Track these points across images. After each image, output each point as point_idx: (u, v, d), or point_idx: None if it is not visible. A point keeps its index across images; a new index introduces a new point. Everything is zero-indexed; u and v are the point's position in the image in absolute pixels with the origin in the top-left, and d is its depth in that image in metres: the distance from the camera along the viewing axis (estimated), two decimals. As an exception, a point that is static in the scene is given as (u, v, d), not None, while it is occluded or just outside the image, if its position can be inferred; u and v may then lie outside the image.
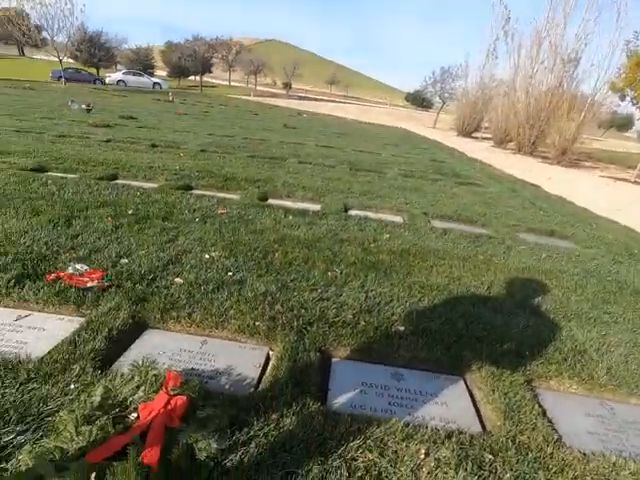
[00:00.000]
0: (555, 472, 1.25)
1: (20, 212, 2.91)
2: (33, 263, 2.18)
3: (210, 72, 45.76)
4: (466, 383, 1.70)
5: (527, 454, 1.30)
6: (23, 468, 1.03)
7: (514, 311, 2.27)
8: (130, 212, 3.17)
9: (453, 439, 1.32)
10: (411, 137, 16.04)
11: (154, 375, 1.36)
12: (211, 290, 2.12)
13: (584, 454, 1.34)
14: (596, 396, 1.71)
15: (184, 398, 1.26)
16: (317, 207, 4.07)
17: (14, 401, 1.30)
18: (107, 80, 28.75)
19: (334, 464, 1.19)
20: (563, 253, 3.49)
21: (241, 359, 1.68)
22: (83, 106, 10.84)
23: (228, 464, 1.15)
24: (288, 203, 4.12)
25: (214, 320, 1.87)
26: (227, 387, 1.51)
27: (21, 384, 1.36)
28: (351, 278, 2.47)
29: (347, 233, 3.31)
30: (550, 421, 1.49)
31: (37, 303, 1.88)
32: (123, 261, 2.35)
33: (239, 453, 1.19)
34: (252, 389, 1.51)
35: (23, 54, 48.20)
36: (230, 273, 2.35)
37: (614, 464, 1.29)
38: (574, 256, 3.44)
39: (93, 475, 0.98)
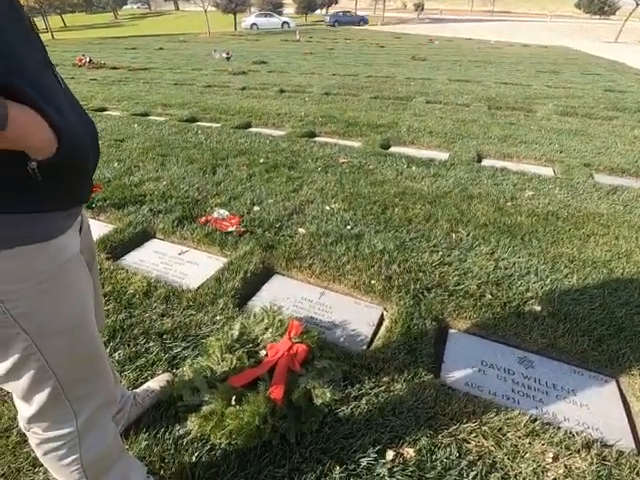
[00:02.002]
0: None
1: (180, 160, 3.45)
2: (189, 207, 2.60)
3: (336, 3, 43.38)
4: (619, 387, 1.41)
5: (702, 495, 1.03)
6: (186, 378, 1.31)
7: None
8: (261, 161, 3.43)
9: (593, 451, 1.14)
10: (579, 59, 12.57)
11: (280, 320, 1.52)
12: (330, 243, 2.19)
13: None
14: None
15: (304, 346, 1.38)
16: (445, 156, 3.67)
17: (180, 322, 1.64)
18: (242, 25, 30.25)
19: (444, 441, 1.17)
20: None
21: (355, 315, 1.74)
22: (224, 55, 11.77)
23: (340, 414, 1.25)
24: (412, 151, 3.82)
25: (332, 273, 1.95)
26: (341, 340, 1.59)
27: (183, 309, 1.71)
28: (479, 242, 2.21)
29: (478, 188, 2.92)
30: None
31: (193, 242, 2.27)
32: (255, 209, 2.60)
33: (350, 406, 1.27)
34: (365, 346, 1.56)
35: (178, 8, 54.05)
36: (349, 227, 2.37)
37: None
38: None
39: (234, 397, 1.19)
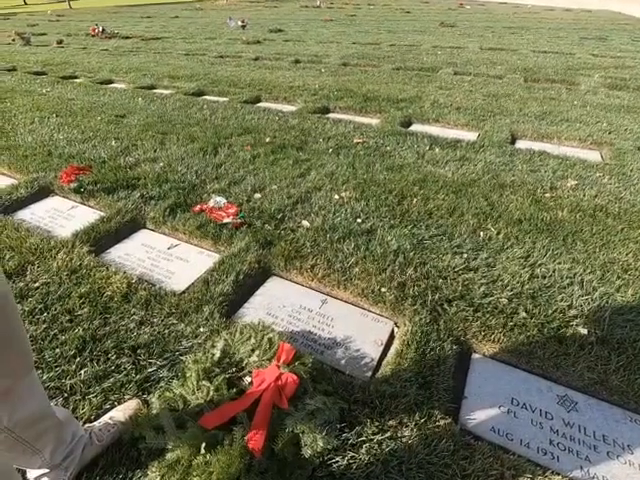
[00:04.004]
0: None
1: (180, 138, 3.19)
2: (184, 192, 2.36)
3: (361, -36, 40.64)
4: (689, 443, 1.12)
5: None
6: (153, 411, 1.11)
7: None
8: (267, 140, 3.13)
9: (660, 543, 0.87)
10: (629, 24, 11.28)
11: (269, 339, 1.29)
12: (337, 240, 1.92)
13: None
14: None
15: (295, 377, 1.14)
16: (473, 136, 3.26)
17: (158, 333, 1.43)
18: (261, -10, 28.84)
19: (462, 512, 0.93)
20: None
21: (361, 330, 1.48)
22: (239, 23, 11.18)
23: (334, 466, 1.03)
24: (436, 130, 3.42)
25: (337, 277, 1.69)
26: (342, 363, 1.35)
27: (164, 317, 1.50)
28: (512, 242, 1.89)
29: (512, 175, 2.55)
30: None
31: (184, 234, 2.04)
32: (256, 196, 2.33)
33: (347, 457, 1.04)
34: (369, 373, 1.31)
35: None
36: (359, 220, 2.08)
37: None
38: None
39: (203, 445, 0.98)
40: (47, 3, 26.21)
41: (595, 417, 1.18)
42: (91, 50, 7.98)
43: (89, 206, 2.33)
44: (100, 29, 10.22)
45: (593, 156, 2.91)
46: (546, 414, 1.19)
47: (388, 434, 1.09)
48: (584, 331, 1.41)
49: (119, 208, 2.21)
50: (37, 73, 5.88)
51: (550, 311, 1.49)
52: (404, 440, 1.08)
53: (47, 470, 0.94)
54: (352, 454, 1.05)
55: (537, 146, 3.02)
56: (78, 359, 1.32)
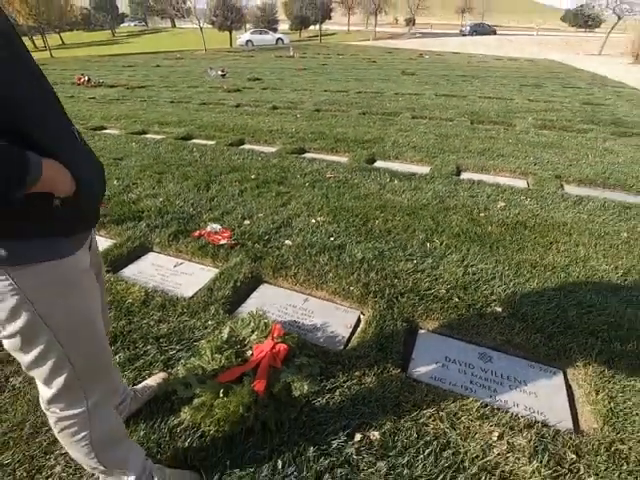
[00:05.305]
0: (655, 491, 1.14)
1: (175, 177, 3.65)
2: (184, 222, 2.79)
3: (329, 19, 44.54)
4: (566, 378, 1.58)
5: (622, 465, 1.20)
6: (180, 376, 1.48)
7: (654, 306, 1.90)
8: (253, 177, 3.64)
9: (533, 430, 1.31)
10: (562, 72, 13.03)
11: (264, 323, 1.70)
12: (314, 253, 2.38)
13: None
14: None
15: (285, 346, 1.56)
16: (426, 170, 3.89)
17: (175, 327, 1.81)
18: (237, 42, 30.98)
19: (406, 425, 1.34)
20: None
21: (335, 318, 1.91)
22: (219, 72, 12.11)
23: (316, 404, 1.42)
24: (396, 165, 4.05)
25: (315, 281, 2.14)
26: (321, 341, 1.77)
27: (178, 316, 1.88)
28: (451, 250, 2.41)
29: (455, 200, 3.14)
30: (669, 438, 1.31)
31: (187, 254, 2.45)
32: (246, 222, 2.79)
33: (325, 397, 1.44)
34: (342, 346, 1.73)
35: (174, 25, 55.19)
36: (332, 238, 2.56)
37: None
38: None
39: (221, 390, 1.36)
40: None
41: (503, 365, 1.64)
42: (79, 98, 8.51)
43: (100, 235, 2.70)
44: (86, 78, 10.84)
45: (520, 183, 3.58)
46: (469, 365, 1.64)
47: (355, 381, 1.50)
48: (499, 309, 1.90)
49: (129, 236, 2.60)
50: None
51: (476, 297, 1.98)
52: (366, 385, 1.49)
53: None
54: (329, 395, 1.45)
55: (477, 177, 3.67)
56: (112, 348, 1.67)
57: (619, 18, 25.98)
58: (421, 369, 1.62)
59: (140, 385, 1.47)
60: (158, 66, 16.32)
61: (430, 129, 5.37)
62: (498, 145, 4.60)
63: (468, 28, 43.07)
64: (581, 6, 36.59)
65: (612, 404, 1.39)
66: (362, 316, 1.94)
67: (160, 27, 57.18)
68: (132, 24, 67.52)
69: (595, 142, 4.75)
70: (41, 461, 1.25)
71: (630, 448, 1.25)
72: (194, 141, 5.02)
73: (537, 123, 5.69)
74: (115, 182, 3.52)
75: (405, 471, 1.20)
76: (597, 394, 1.44)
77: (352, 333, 1.82)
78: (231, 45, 31.46)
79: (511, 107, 6.88)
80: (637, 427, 1.32)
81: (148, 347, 1.69)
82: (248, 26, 39.36)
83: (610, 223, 2.76)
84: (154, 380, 1.50)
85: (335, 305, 2.03)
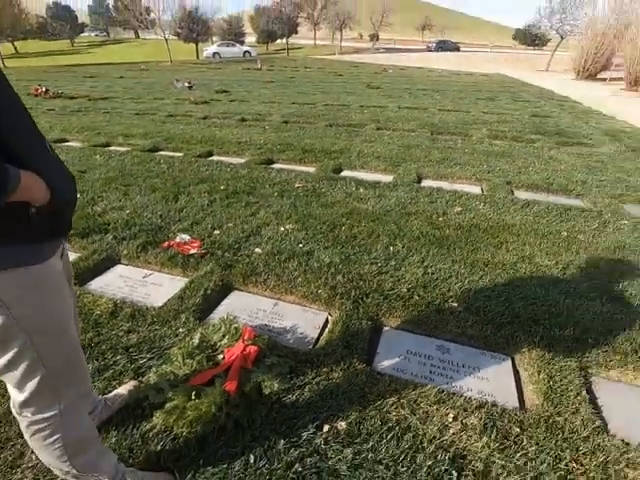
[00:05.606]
0: (584, 453, 1.29)
1: (142, 189, 3.63)
2: (152, 233, 2.79)
3: (296, 33, 45.44)
4: (514, 363, 1.75)
5: (558, 434, 1.36)
6: (151, 382, 1.50)
7: (588, 295, 2.13)
8: (222, 187, 3.68)
9: (484, 409, 1.45)
10: (514, 86, 14.02)
11: (235, 327, 1.75)
12: (283, 260, 2.46)
13: (626, 443, 1.34)
14: (665, 392, 1.60)
15: (256, 347, 1.62)
16: (390, 178, 4.10)
17: (145, 337, 1.82)
18: (204, 54, 30.88)
19: (370, 414, 1.44)
20: (680, 230, 2.96)
21: (304, 321, 2.00)
22: (186, 84, 12.05)
23: (286, 401, 1.49)
24: (361, 174, 4.23)
25: (284, 286, 2.22)
26: (291, 342, 1.84)
27: (148, 325, 1.89)
28: (412, 253, 2.57)
29: (416, 206, 3.33)
30: (597, 408, 1.49)
31: (156, 265, 2.46)
32: (216, 232, 2.83)
33: (295, 394, 1.51)
34: (310, 346, 1.82)
35: (138, 36, 54.15)
36: (300, 245, 2.66)
37: (658, 458, 1.28)
38: (695, 234, 2.90)
39: (193, 393, 1.40)
40: (-22, 62, 25.49)
41: (460, 355, 1.78)
42: (37, 110, 8.18)
43: (64, 249, 2.65)
44: (44, 89, 10.44)
45: (475, 189, 3.85)
46: (429, 357, 1.77)
47: (323, 377, 1.59)
48: (455, 304, 2.06)
49: (95, 249, 2.57)
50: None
51: (435, 294, 2.14)
52: (334, 380, 1.58)
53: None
54: (299, 392, 1.52)
55: (436, 184, 3.91)
56: (81, 359, 1.66)
57: (562, 38, 28.32)
58: (385, 363, 1.73)
59: (111, 394, 1.48)
60: (122, 77, 15.99)
61: (393, 140, 5.64)
62: (456, 154, 4.91)
63: (434, 45, 45.86)
64: (529, 26, 39.51)
65: (551, 382, 1.56)
66: (330, 317, 2.03)
67: (123, 38, 55.93)
68: (93, 34, 65.58)
69: (541, 151, 5.18)
70: (7, 476, 1.24)
71: (565, 419, 1.42)
72: (161, 153, 4.99)
73: (491, 134, 6.12)
74: (79, 195, 3.44)
75: (370, 455, 1.29)
76: (539, 374, 1.61)
77: (320, 333, 1.91)
78: (198, 57, 31.31)
79: (468, 119, 7.34)
80: (571, 401, 1.49)
81: (118, 357, 1.70)
82: (215, 38, 39.38)
83: (553, 224, 3.04)
84: (125, 388, 1.51)
85: (304, 308, 2.11)
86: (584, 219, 3.12)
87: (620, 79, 15.34)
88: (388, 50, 43.68)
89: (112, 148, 5.23)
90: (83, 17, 58.83)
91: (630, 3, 16.84)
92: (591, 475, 1.23)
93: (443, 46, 45.52)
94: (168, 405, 1.39)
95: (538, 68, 24.60)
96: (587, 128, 6.83)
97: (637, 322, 1.94)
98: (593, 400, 1.53)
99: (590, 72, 18.03)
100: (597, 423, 1.41)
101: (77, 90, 11.44)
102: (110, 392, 1.51)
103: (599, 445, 1.32)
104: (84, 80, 14.98)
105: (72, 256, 2.50)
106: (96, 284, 2.29)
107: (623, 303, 2.10)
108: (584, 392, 1.53)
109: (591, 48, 17.65)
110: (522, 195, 3.69)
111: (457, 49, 46.04)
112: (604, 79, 17.33)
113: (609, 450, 1.30)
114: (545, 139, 5.85)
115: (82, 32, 52.38)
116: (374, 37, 51.06)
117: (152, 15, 30.59)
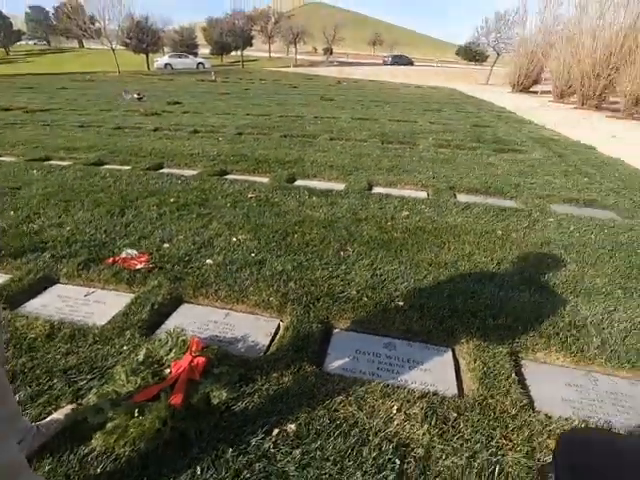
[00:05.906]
0: (513, 430, 1.42)
1: (85, 204, 3.46)
2: (96, 249, 2.67)
3: (251, 45, 45.63)
4: (454, 354, 1.87)
5: (490, 414, 1.47)
6: (91, 403, 1.44)
7: (519, 287, 2.34)
8: (172, 200, 3.60)
9: (425, 399, 1.54)
10: (457, 99, 15.02)
11: (182, 340, 1.72)
12: (235, 270, 2.45)
13: (549, 417, 1.48)
14: (582, 368, 1.79)
15: (204, 358, 1.60)
16: (342, 186, 4.22)
17: (85, 357, 1.73)
18: (155, 65, 30.06)
19: (319, 414, 1.47)
20: (596, 225, 3.33)
21: (255, 329, 2.00)
22: (135, 95, 11.65)
23: (236, 409, 1.49)
24: (314, 183, 4.32)
25: (236, 296, 2.21)
26: (242, 351, 1.84)
27: (89, 345, 1.80)
28: (362, 257, 2.67)
29: (366, 212, 3.46)
30: (525, 388, 1.63)
31: (99, 282, 2.35)
32: (165, 246, 2.76)
33: (245, 401, 1.51)
34: (262, 353, 1.82)
35: (82, 46, 51.55)
36: (253, 254, 2.66)
37: (572, 424, 1.43)
38: (607, 227, 3.27)
39: (136, 410, 1.36)
40: None
41: (405, 351, 1.88)
42: (-35, 123, 7.53)
43: (-5, 271, 2.45)
44: (-27, 101, 9.62)
45: (421, 194, 4.08)
46: (376, 354, 1.84)
47: (273, 382, 1.60)
48: (401, 303, 2.16)
49: (29, 269, 2.41)
50: None
51: (382, 295, 2.23)
52: (284, 384, 1.60)
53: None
54: (249, 399, 1.52)
55: (385, 191, 4.09)
56: (12, 386, 1.55)
57: (498, 54, 30.86)
58: (335, 363, 1.78)
59: (45, 420, 1.39)
60: (64, 88, 15.12)
61: (346, 149, 5.82)
62: (404, 162, 5.17)
63: (390, 59, 48.52)
64: (470, 43, 42.74)
65: (485, 368, 1.69)
66: (281, 323, 2.05)
67: (66, 47, 52.96)
68: (31, 42, 61.47)
69: (481, 158, 5.59)
70: None
71: (497, 401, 1.54)
72: (107, 167, 4.78)
73: (436, 143, 6.51)
74: (12, 213, 3.22)
75: (317, 453, 1.32)
76: (475, 362, 1.74)
77: (272, 340, 1.92)
78: (149, 68, 30.38)
79: (415, 129, 7.75)
80: (503, 383, 1.62)
81: (54, 381, 1.60)
82: (166, 49, 38.46)
83: (490, 224, 3.30)
84: (61, 412, 1.43)
85: (256, 316, 2.12)
86: (517, 218, 3.41)
87: (549, 92, 16.96)
88: (342, 64, 45.08)
89: (52, 162, 4.93)
90: (19, 24, 55.03)
91: (553, 25, 18.75)
92: (518, 449, 1.35)
93: (399, 60, 48.14)
94: (109, 425, 1.34)
95: (479, 82, 26.55)
96: (520, 136, 7.47)
97: (560, 308, 2.15)
98: (522, 381, 1.68)
99: (524, 85, 19.74)
100: (524, 402, 1.54)
101: (12, 101, 10.66)
102: (45, 419, 1.42)
103: (525, 421, 1.45)
104: (21, 91, 14.00)
105: (2, 278, 2.33)
106: (31, 306, 2.14)
107: (549, 292, 2.32)
108: (514, 375, 1.67)
109: (523, 64, 19.37)
110: (463, 198, 3.96)
111: (411, 63, 48.68)
112: (536, 92, 19.06)
113: (534, 425, 1.43)
114: (484, 147, 6.32)
115: (19, 40, 48.95)
116: (328, 51, 52.54)
117: (97, 25, 29.34)
